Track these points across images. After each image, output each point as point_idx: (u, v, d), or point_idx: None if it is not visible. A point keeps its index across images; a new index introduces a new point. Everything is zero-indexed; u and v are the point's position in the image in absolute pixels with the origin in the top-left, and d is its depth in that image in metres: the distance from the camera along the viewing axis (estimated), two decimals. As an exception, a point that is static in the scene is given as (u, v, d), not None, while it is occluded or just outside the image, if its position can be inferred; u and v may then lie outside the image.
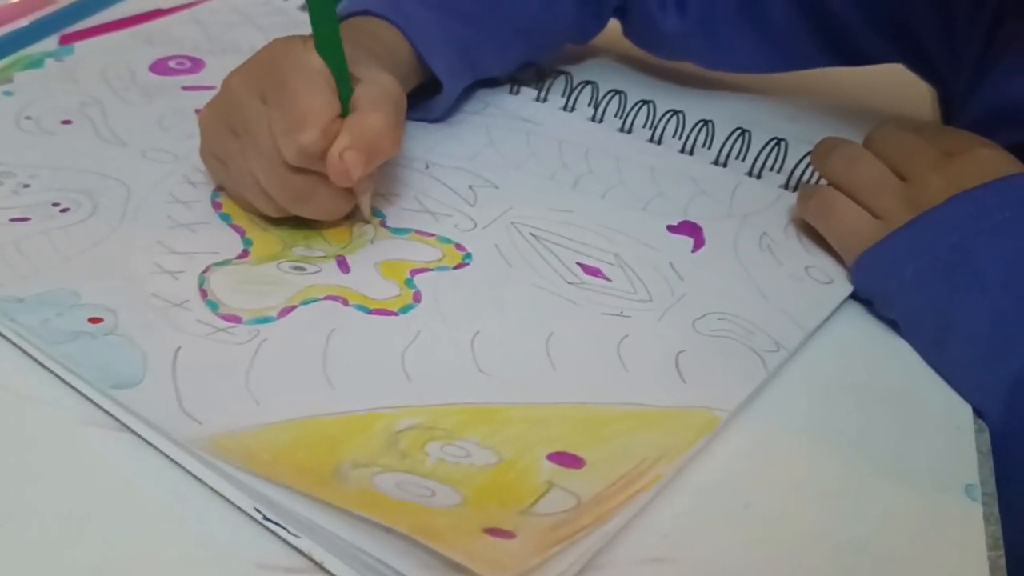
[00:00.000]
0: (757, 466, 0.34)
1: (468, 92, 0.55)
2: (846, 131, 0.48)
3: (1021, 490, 0.36)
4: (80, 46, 0.58)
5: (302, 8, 0.65)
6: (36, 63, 0.55)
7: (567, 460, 0.32)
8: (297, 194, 0.40)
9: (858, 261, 0.42)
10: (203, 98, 0.52)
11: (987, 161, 0.41)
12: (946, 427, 0.37)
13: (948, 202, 0.40)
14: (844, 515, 0.33)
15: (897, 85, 0.59)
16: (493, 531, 0.28)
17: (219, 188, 0.45)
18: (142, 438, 0.33)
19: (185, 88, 0.54)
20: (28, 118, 0.50)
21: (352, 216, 0.44)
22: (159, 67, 0.56)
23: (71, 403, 0.34)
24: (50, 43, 0.58)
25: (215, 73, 0.56)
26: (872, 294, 0.42)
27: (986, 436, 0.37)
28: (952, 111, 0.54)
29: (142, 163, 0.47)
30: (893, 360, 0.40)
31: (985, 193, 0.39)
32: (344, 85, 0.40)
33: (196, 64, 0.57)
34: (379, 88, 0.41)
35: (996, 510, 0.33)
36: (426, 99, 0.51)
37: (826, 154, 0.46)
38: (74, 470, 0.31)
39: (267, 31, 0.62)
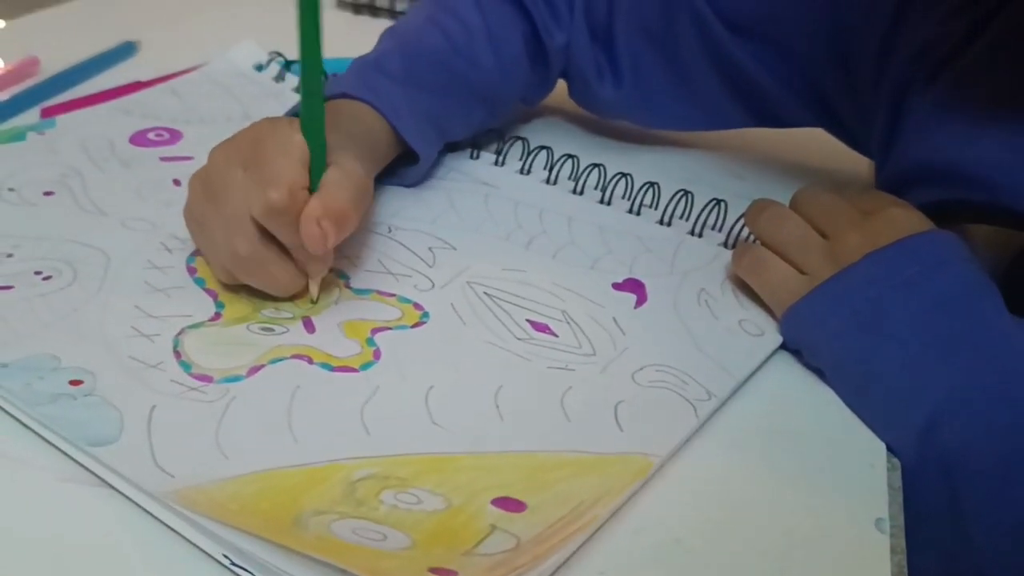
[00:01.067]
0: (687, 504, 0.37)
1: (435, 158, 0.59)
2: (789, 188, 0.51)
3: (930, 522, 0.39)
4: (62, 119, 0.61)
5: (295, 89, 0.68)
6: (18, 136, 0.58)
7: (510, 505, 0.35)
8: (255, 261, 0.43)
9: (786, 315, 0.46)
10: (180, 168, 0.56)
11: (899, 220, 0.44)
12: (862, 465, 0.40)
13: (864, 259, 0.43)
14: (765, 548, 0.36)
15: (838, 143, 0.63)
16: (437, 570, 0.31)
17: (195, 253, 0.48)
18: (119, 492, 0.35)
19: (163, 159, 0.58)
20: (11, 190, 0.53)
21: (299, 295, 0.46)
22: (138, 139, 0.60)
23: (48, 462, 0.36)
24: (31, 116, 0.61)
25: (192, 143, 0.59)
26: (799, 344, 0.46)
27: (898, 473, 0.40)
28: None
29: (121, 232, 0.50)
30: (816, 405, 0.43)
31: (897, 250, 0.43)
32: (319, 164, 0.43)
33: (174, 135, 0.60)
34: (346, 173, 0.44)
35: (903, 541, 0.36)
36: (403, 166, 0.55)
37: (757, 215, 0.49)
38: (52, 525, 0.34)
39: (243, 101, 0.66)
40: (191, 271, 0.47)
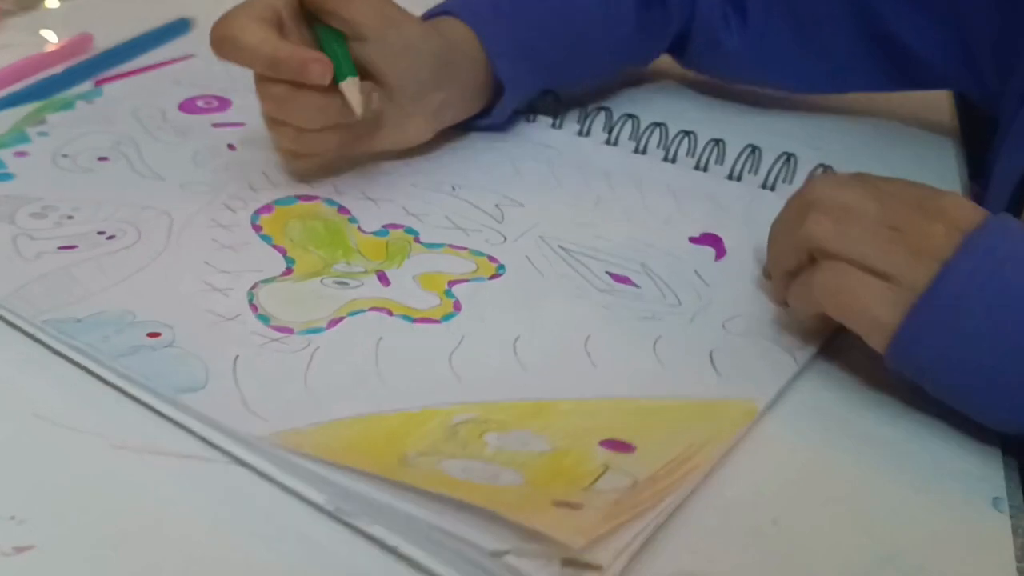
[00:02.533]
0: (785, 482, 0.34)
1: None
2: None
3: None
4: (109, 88, 0.60)
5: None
6: (67, 105, 0.57)
7: (618, 446, 0.34)
8: (278, 98, 0.46)
9: (903, 329, 0.35)
10: (233, 134, 0.55)
11: (963, 203, 0.38)
12: (973, 440, 0.36)
13: (964, 248, 0.35)
14: (872, 529, 0.32)
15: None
16: (561, 503, 0.29)
17: (259, 211, 0.47)
18: (208, 442, 0.34)
19: (215, 125, 0.56)
20: (65, 156, 0.52)
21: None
22: (188, 106, 0.58)
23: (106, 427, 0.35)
24: (83, 87, 0.60)
25: (242, 110, 0.58)
26: (922, 371, 0.36)
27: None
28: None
29: (181, 194, 0.49)
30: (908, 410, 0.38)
31: (993, 232, 0.36)
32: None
33: (223, 103, 0.59)
34: None
35: None
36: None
37: (801, 218, 0.39)
38: (128, 489, 0.33)
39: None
40: (256, 229, 0.46)
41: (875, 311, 0.36)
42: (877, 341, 0.36)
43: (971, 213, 0.37)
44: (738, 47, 0.59)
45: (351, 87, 0.46)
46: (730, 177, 0.54)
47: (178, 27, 0.70)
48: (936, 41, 0.54)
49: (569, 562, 0.28)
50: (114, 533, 0.30)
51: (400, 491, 0.30)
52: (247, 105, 0.58)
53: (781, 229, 0.42)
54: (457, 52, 0.51)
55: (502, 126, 0.57)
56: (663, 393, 0.37)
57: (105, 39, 0.67)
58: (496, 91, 0.55)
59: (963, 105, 0.64)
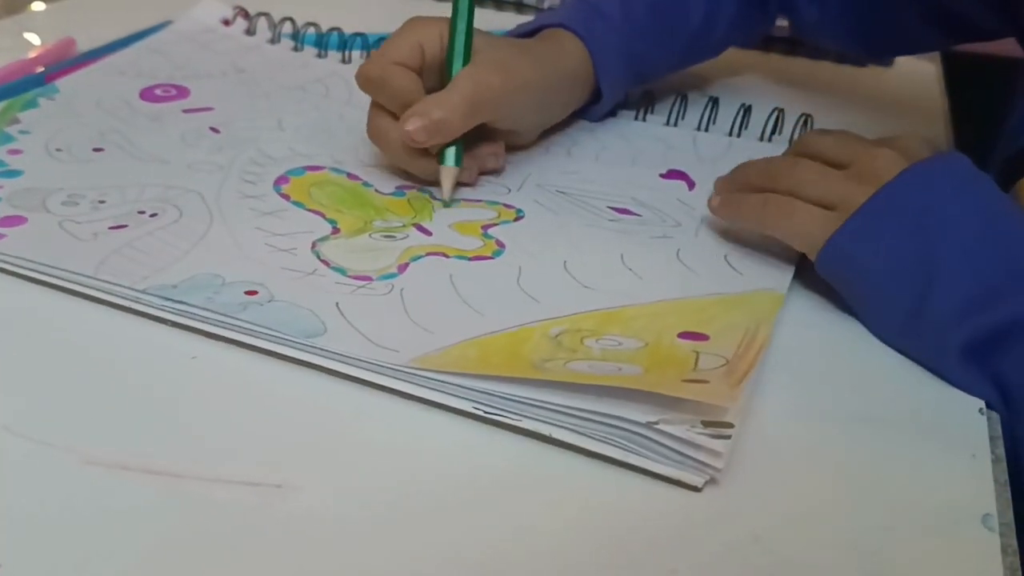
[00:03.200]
0: (766, 499, 0.34)
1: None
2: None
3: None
4: (62, 83, 0.60)
5: (269, 42, 0.69)
6: (31, 104, 0.57)
7: (695, 336, 0.40)
8: (373, 130, 0.51)
9: (827, 245, 0.42)
10: (209, 118, 0.57)
11: (918, 142, 0.45)
12: (961, 455, 0.36)
13: (905, 172, 0.42)
14: (859, 548, 0.32)
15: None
16: (688, 380, 0.35)
17: (277, 182, 0.50)
18: (344, 376, 0.37)
19: (186, 111, 0.58)
20: (59, 150, 0.52)
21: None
22: (148, 95, 0.60)
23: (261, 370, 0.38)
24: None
25: (203, 96, 0.60)
26: (840, 274, 0.43)
27: (1003, 465, 0.36)
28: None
29: (194, 173, 0.51)
30: (900, 388, 0.40)
31: (937, 163, 0.43)
32: (457, 58, 0.49)
33: (181, 91, 0.61)
34: (476, 78, 0.49)
35: (1014, 541, 0.33)
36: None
37: (758, 165, 0.48)
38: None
39: (227, 55, 0.67)
40: (284, 197, 0.49)
41: (813, 232, 0.43)
42: (811, 254, 0.43)
43: (922, 148, 0.44)
44: (816, 17, 0.63)
45: (447, 175, 0.49)
46: (666, 124, 0.61)
47: (160, 30, 0.70)
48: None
49: (708, 423, 0.34)
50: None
51: (546, 387, 0.35)
52: (205, 91, 0.61)
53: (756, 162, 0.49)
54: (567, 77, 0.55)
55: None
56: (703, 292, 0.44)
57: (88, 42, 0.67)
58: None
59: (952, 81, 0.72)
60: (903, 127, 0.64)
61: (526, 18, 0.80)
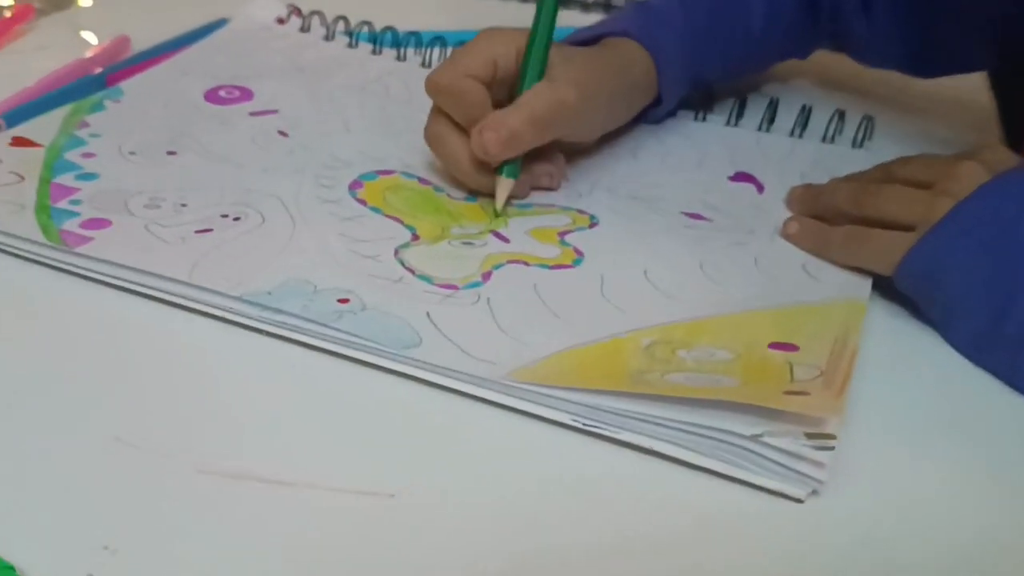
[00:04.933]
0: (873, 506, 0.34)
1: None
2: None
3: None
4: (126, 86, 0.60)
5: (324, 38, 0.69)
6: (98, 106, 0.57)
7: (785, 347, 0.40)
8: (432, 134, 0.51)
9: (905, 259, 0.43)
10: (275, 121, 0.58)
11: (1004, 154, 0.45)
12: None
13: (983, 187, 0.42)
14: (969, 552, 0.33)
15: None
16: (790, 392, 0.36)
17: (352, 186, 0.50)
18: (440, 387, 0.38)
19: (252, 114, 0.58)
20: (132, 153, 0.52)
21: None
22: (213, 97, 0.60)
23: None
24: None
25: (266, 98, 0.60)
26: (919, 291, 0.44)
27: None
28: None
29: (270, 177, 0.51)
30: (992, 398, 0.40)
31: (1015, 177, 0.42)
32: (533, 71, 0.49)
33: (244, 92, 0.61)
34: (551, 89, 0.49)
35: None
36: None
37: (840, 190, 0.50)
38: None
39: (284, 53, 0.67)
40: (361, 202, 0.49)
41: (893, 252, 0.44)
42: (890, 272, 0.44)
43: (1005, 157, 0.45)
44: (864, 31, 0.63)
45: (503, 187, 0.49)
46: (727, 123, 0.61)
47: (216, 28, 0.70)
48: None
49: (811, 435, 0.34)
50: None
51: (644, 399, 0.36)
52: (268, 93, 0.61)
53: (843, 187, 0.50)
54: (634, 87, 0.55)
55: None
56: (786, 302, 0.44)
57: (141, 39, 0.67)
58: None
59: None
60: (957, 128, 0.65)
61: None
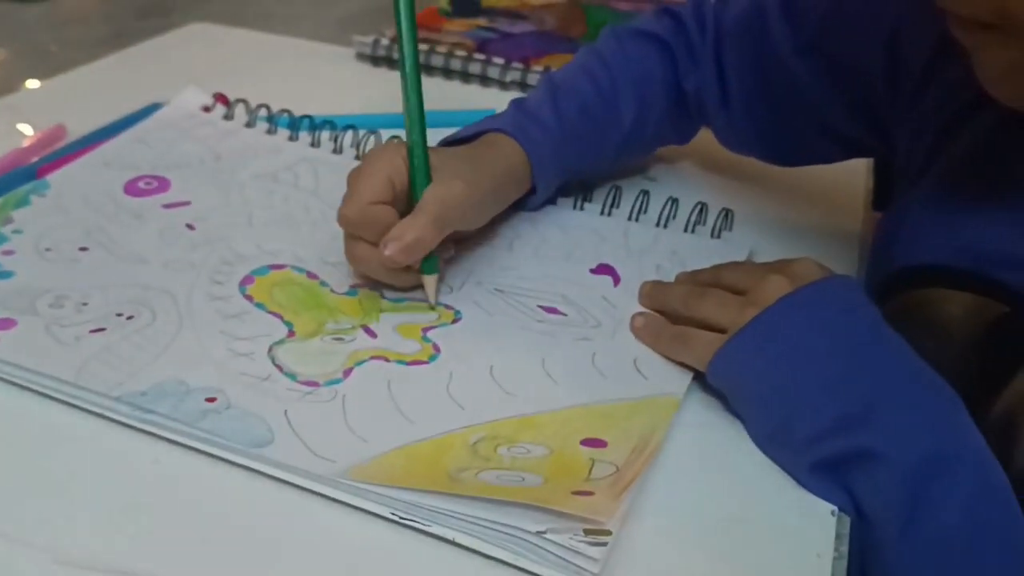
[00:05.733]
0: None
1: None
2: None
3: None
4: (53, 179, 0.66)
5: (246, 125, 0.76)
6: (24, 201, 0.63)
7: (595, 443, 0.46)
8: (351, 256, 0.55)
9: (712, 361, 0.49)
10: (186, 213, 0.63)
11: (809, 266, 0.51)
12: (808, 555, 0.42)
13: (780, 301, 0.48)
14: None
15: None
16: (578, 492, 0.42)
17: (242, 283, 0.56)
18: (283, 483, 0.44)
19: (165, 207, 0.64)
20: (48, 249, 0.58)
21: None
22: (132, 189, 0.66)
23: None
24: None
25: (181, 188, 0.66)
26: (726, 388, 0.50)
27: (844, 563, 0.43)
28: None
29: (169, 274, 0.57)
30: (774, 492, 0.46)
31: (811, 292, 0.49)
32: (422, 179, 0.55)
33: (162, 183, 0.67)
34: (443, 191, 0.54)
35: None
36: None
37: (668, 291, 0.57)
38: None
39: (205, 142, 0.73)
40: (248, 299, 0.55)
41: (707, 354, 0.50)
42: (703, 368, 0.50)
43: (815, 271, 0.51)
44: (724, 123, 0.70)
45: (430, 283, 0.56)
46: (601, 213, 0.67)
47: (148, 113, 0.76)
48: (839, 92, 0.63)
49: (589, 531, 0.40)
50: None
51: (454, 500, 0.41)
52: (184, 183, 0.67)
53: (676, 289, 0.57)
54: (510, 178, 0.61)
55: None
56: (610, 398, 0.50)
57: (79, 126, 0.73)
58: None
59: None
60: (821, 220, 0.71)
61: (491, 91, 0.87)
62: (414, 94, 0.55)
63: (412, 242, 0.53)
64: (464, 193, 0.55)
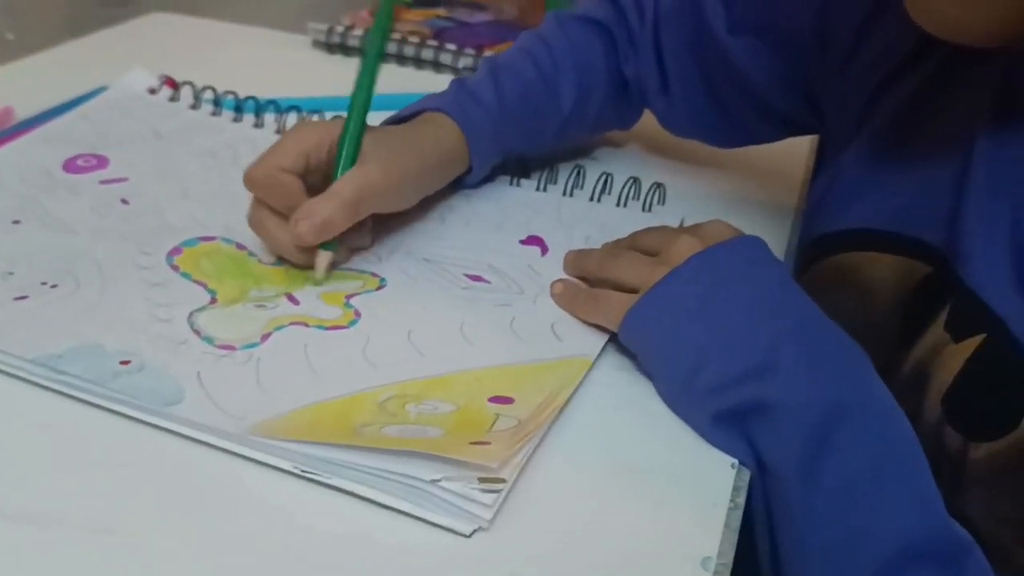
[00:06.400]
0: (527, 541, 0.40)
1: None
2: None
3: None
4: (-7, 156, 0.67)
5: (191, 107, 0.76)
6: (-39, 175, 0.64)
7: (502, 400, 0.47)
8: (254, 220, 0.56)
9: (624, 320, 0.50)
10: (121, 189, 0.64)
11: (720, 227, 0.52)
12: (704, 503, 0.43)
13: (690, 260, 0.49)
14: None
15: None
16: (475, 442, 0.42)
17: (170, 253, 0.57)
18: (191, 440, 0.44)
19: (102, 183, 0.65)
20: (-18, 222, 0.59)
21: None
22: (71, 166, 0.66)
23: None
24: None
25: (120, 165, 0.67)
26: (637, 347, 0.50)
27: (739, 513, 0.43)
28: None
29: (97, 244, 0.57)
30: (675, 444, 0.46)
31: (718, 250, 0.50)
32: (346, 158, 0.56)
33: (100, 160, 0.68)
34: (361, 176, 0.55)
35: None
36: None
37: (585, 258, 0.58)
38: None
39: (148, 121, 0.74)
40: (174, 268, 0.56)
41: (619, 314, 0.50)
42: (616, 328, 0.51)
43: (726, 231, 0.52)
44: (664, 108, 0.71)
45: (322, 259, 0.55)
46: (537, 189, 0.68)
47: (94, 95, 0.77)
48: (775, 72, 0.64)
49: (484, 480, 0.41)
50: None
51: (355, 451, 0.42)
52: (123, 160, 0.68)
53: (593, 253, 0.58)
54: (445, 158, 0.62)
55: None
56: (525, 359, 0.51)
57: (29, 108, 0.74)
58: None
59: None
60: (758, 194, 0.72)
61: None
62: (367, 80, 0.56)
63: (321, 223, 0.53)
64: (382, 181, 0.56)
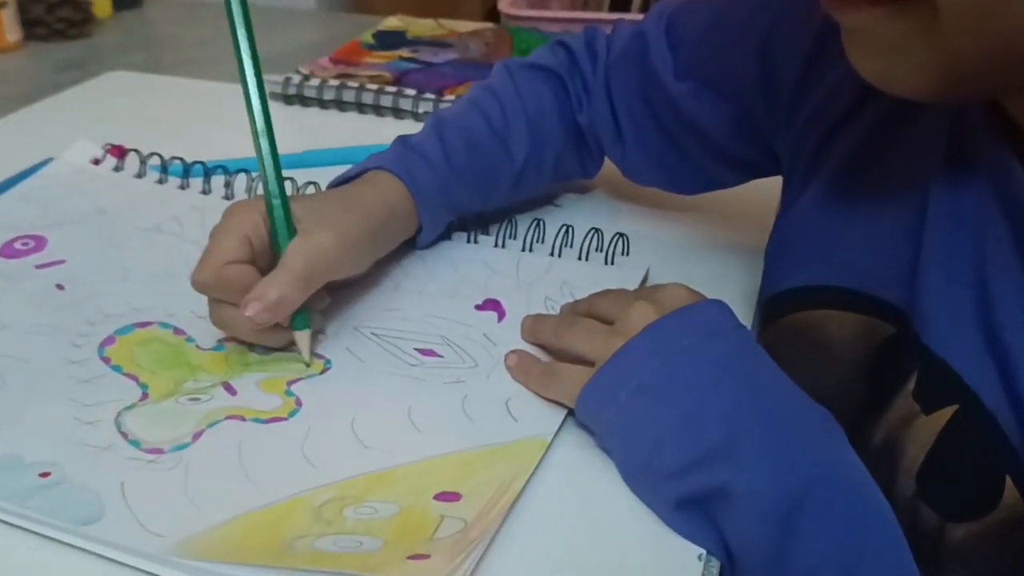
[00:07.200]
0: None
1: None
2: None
3: None
4: (-73, 243, 0.64)
5: (136, 175, 0.74)
6: (-103, 266, 0.61)
7: (448, 497, 0.44)
8: (215, 318, 0.52)
9: (579, 396, 0.47)
10: (57, 273, 0.61)
11: (676, 293, 0.49)
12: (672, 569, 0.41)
13: (645, 331, 0.46)
14: None
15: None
16: (414, 556, 0.39)
17: (103, 344, 0.54)
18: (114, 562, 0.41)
19: (38, 267, 0.62)
20: (-89, 318, 0.56)
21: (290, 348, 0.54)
22: (8, 251, 0.64)
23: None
24: None
25: (58, 246, 0.64)
26: (593, 424, 0.47)
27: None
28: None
29: (29, 339, 0.54)
30: (639, 536, 0.43)
31: (673, 320, 0.46)
32: (284, 232, 0.52)
33: (39, 242, 0.65)
34: (308, 245, 0.52)
35: None
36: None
37: (540, 325, 0.54)
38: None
39: (93, 196, 0.71)
40: (106, 361, 0.53)
41: (574, 389, 0.47)
42: (572, 403, 0.48)
43: (684, 296, 0.48)
44: (620, 157, 0.67)
45: (303, 340, 0.53)
46: (495, 245, 0.65)
47: (38, 169, 0.74)
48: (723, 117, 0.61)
49: (424, 598, 0.38)
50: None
51: (284, 573, 0.39)
52: (61, 241, 0.65)
53: (549, 321, 0.54)
54: (392, 218, 0.59)
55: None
56: (476, 444, 0.47)
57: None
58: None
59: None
60: (727, 238, 0.68)
61: (405, 123, 0.86)
62: (266, 141, 0.53)
63: (275, 301, 0.50)
64: (331, 244, 0.53)
